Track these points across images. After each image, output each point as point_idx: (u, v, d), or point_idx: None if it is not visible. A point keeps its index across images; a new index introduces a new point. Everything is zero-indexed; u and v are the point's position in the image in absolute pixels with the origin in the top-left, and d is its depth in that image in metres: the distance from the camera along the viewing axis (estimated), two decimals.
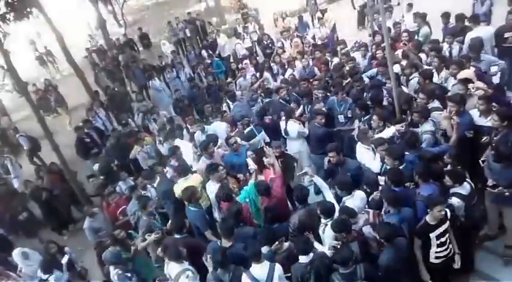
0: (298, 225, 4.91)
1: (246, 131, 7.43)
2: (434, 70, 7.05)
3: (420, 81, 6.88)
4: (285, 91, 8.37)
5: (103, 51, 17.89)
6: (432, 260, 4.61)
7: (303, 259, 4.32)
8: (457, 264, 4.70)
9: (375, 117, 6.15)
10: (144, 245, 5.84)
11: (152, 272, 6.03)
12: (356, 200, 5.07)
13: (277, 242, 4.61)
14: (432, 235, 4.46)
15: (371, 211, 4.86)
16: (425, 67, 7.38)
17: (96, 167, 8.99)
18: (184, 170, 6.54)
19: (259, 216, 5.64)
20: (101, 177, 8.69)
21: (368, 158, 5.82)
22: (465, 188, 4.80)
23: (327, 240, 4.69)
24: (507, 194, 4.77)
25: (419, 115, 5.91)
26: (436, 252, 4.56)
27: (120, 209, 6.96)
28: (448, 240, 4.56)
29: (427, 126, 5.82)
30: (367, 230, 4.64)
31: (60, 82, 18.12)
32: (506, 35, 7.53)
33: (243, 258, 4.57)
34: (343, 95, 7.34)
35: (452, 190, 4.86)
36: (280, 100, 8.26)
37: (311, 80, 8.77)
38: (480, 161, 5.27)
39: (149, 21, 24.44)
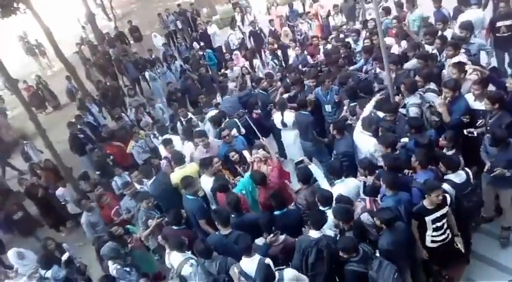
0: (307, 204, 5.01)
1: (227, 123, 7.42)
2: (435, 50, 7.01)
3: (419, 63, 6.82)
4: (265, 82, 8.36)
5: (93, 46, 17.67)
6: (428, 243, 4.63)
7: (313, 234, 4.35)
8: (461, 248, 4.68)
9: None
10: (148, 232, 5.87)
11: (151, 265, 6.04)
12: (348, 186, 5.09)
13: (272, 235, 4.59)
14: (428, 219, 4.48)
15: (367, 198, 4.88)
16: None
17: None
18: (178, 159, 6.53)
19: (256, 207, 5.66)
20: (97, 172, 8.67)
21: (366, 142, 5.77)
22: (459, 176, 4.79)
23: (325, 227, 4.70)
24: (508, 174, 4.78)
25: (404, 87, 6.01)
26: (432, 236, 4.57)
27: (113, 211, 6.87)
28: (445, 226, 4.54)
29: (414, 99, 5.94)
30: (366, 217, 4.66)
31: (51, 78, 17.96)
32: (498, 24, 7.40)
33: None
34: (329, 82, 7.31)
35: (446, 177, 4.87)
36: (261, 92, 8.27)
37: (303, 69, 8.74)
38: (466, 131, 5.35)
39: (139, 14, 24.17)
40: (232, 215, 5.05)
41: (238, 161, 6.37)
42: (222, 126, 7.23)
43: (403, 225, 4.46)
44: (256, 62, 11.22)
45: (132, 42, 17.63)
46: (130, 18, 20.58)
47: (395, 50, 8.02)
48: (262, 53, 12.11)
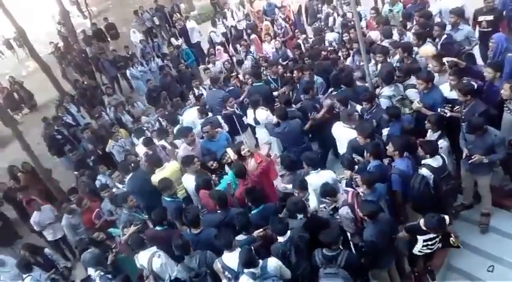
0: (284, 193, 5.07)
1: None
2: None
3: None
4: (236, 79, 8.37)
5: (69, 44, 17.26)
6: (415, 251, 4.63)
7: (281, 239, 4.37)
8: (458, 243, 4.73)
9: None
10: (126, 238, 5.74)
11: (136, 268, 5.96)
12: (321, 177, 5.12)
13: (261, 230, 4.62)
14: (420, 238, 4.46)
15: (350, 191, 4.87)
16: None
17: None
18: (156, 160, 6.48)
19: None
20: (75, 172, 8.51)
21: (347, 136, 5.81)
22: (436, 161, 4.89)
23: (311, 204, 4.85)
24: (485, 161, 4.90)
25: (380, 79, 6.13)
26: (420, 250, 4.58)
27: (94, 213, 6.77)
28: (435, 245, 4.52)
29: (386, 91, 6.09)
30: (345, 210, 4.69)
31: (26, 78, 17.47)
32: (480, 18, 7.43)
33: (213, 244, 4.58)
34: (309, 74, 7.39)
35: (423, 161, 4.97)
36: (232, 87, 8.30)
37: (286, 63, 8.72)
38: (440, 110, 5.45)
39: (115, 11, 23.66)
40: (219, 211, 5.04)
41: (216, 168, 6.27)
42: (203, 121, 7.20)
43: (386, 216, 4.54)
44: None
45: (109, 39, 17.29)
46: (106, 15, 20.12)
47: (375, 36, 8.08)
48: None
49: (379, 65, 6.99)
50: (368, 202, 4.47)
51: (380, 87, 6.38)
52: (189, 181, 6.00)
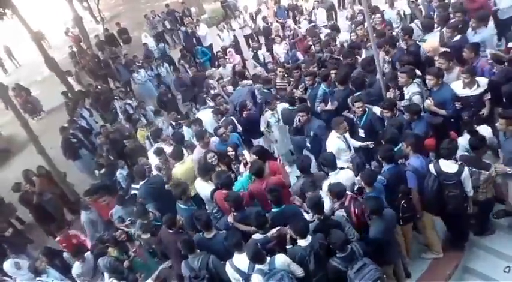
0: (299, 193, 5.04)
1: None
2: None
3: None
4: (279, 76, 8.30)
5: (82, 49, 17.53)
6: None
7: (302, 242, 4.32)
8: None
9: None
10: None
11: (151, 270, 6.01)
12: (342, 178, 5.06)
13: (275, 230, 4.61)
14: None
15: (348, 194, 4.82)
16: None
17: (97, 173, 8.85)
18: (178, 154, 6.59)
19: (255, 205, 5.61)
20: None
21: (341, 147, 5.87)
22: (449, 167, 4.72)
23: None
24: (509, 171, 4.79)
25: (406, 75, 6.01)
26: None
27: (110, 211, 6.86)
28: None
29: (413, 88, 6.00)
30: (340, 213, 4.66)
31: (42, 83, 17.79)
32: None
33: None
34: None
35: (439, 161, 4.86)
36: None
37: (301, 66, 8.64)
38: None
39: (127, 15, 23.97)
40: (235, 213, 5.03)
41: (233, 157, 6.37)
42: (219, 124, 7.23)
43: (391, 211, 4.53)
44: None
45: (121, 44, 17.52)
46: (118, 20, 20.40)
47: None
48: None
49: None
50: (372, 199, 4.46)
51: (392, 89, 6.31)
52: (203, 188, 5.97)
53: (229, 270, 4.41)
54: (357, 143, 6.11)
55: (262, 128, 7.47)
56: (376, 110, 6.16)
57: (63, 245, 7.01)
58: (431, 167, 4.83)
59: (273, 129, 7.38)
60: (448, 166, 4.76)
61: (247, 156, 6.25)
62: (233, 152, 6.40)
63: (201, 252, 4.62)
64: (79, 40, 18.06)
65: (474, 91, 5.60)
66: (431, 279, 5.12)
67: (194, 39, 14.03)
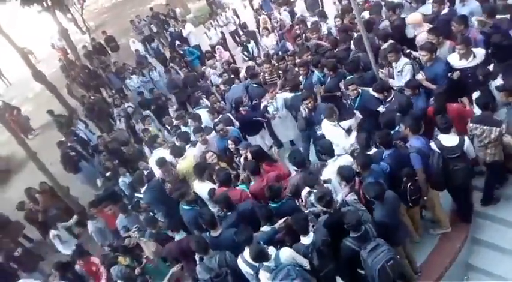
0: (294, 188, 5.04)
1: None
2: None
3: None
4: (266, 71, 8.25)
5: (71, 61, 17.47)
6: None
7: (304, 240, 4.35)
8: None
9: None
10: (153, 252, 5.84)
11: (164, 276, 6.04)
12: (340, 164, 5.03)
13: (282, 221, 4.64)
14: None
15: (356, 179, 4.81)
16: None
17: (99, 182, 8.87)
18: (178, 152, 6.72)
19: None
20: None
21: (338, 135, 5.83)
22: (450, 140, 4.78)
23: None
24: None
25: (393, 53, 6.08)
26: None
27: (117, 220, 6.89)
28: None
29: (403, 60, 6.08)
30: (351, 197, 4.68)
31: (33, 100, 17.73)
32: None
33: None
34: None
35: (437, 136, 4.93)
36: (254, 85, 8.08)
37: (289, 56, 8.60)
38: None
39: (112, 23, 23.84)
40: (228, 213, 5.05)
41: (234, 151, 6.39)
42: (216, 121, 7.21)
43: (392, 194, 4.53)
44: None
45: (109, 52, 17.43)
46: (103, 28, 20.30)
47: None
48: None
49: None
50: (371, 185, 4.46)
51: (385, 68, 6.31)
52: (201, 188, 5.98)
53: (241, 264, 4.46)
54: (346, 123, 6.06)
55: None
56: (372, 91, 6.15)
57: (83, 268, 6.86)
58: (433, 144, 4.84)
59: (272, 119, 7.33)
60: (449, 140, 4.78)
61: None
62: (233, 146, 6.41)
63: (215, 252, 4.61)
64: (66, 52, 17.98)
65: (471, 62, 5.60)
66: (442, 254, 5.15)
67: (180, 40, 13.95)
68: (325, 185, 4.87)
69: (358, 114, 6.27)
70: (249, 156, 5.85)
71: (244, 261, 4.42)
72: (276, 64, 8.42)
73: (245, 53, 11.22)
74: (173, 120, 8.68)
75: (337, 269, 4.39)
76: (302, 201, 5.08)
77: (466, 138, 4.78)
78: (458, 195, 5.24)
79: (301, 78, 7.48)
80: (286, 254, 4.24)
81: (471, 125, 4.95)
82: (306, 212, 4.85)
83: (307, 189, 4.97)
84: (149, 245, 5.71)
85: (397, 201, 4.59)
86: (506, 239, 5.19)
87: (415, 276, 4.91)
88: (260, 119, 7.35)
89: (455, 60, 5.74)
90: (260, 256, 4.16)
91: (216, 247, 4.73)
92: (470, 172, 4.96)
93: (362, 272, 4.22)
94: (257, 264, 4.27)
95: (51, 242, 7.92)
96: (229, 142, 6.49)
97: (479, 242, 5.41)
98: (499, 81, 5.20)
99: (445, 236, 5.28)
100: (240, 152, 6.22)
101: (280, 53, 9.64)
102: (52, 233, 7.64)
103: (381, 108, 5.88)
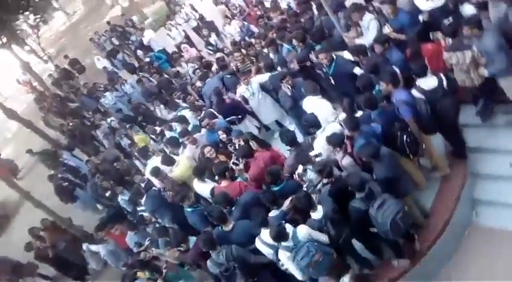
0: (291, 168, 5.10)
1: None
2: None
3: None
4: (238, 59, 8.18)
5: (41, 93, 17.16)
6: None
7: (315, 215, 4.42)
8: None
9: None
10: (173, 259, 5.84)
11: (188, 279, 6.08)
12: (330, 132, 5.08)
13: (288, 202, 4.69)
14: None
15: (347, 142, 4.88)
16: None
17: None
18: (169, 160, 6.72)
19: None
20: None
21: (325, 108, 5.76)
22: (428, 82, 4.85)
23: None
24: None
25: (356, 12, 6.11)
26: None
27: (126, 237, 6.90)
28: None
29: (367, 17, 6.13)
30: (347, 160, 4.74)
31: (13, 139, 17.43)
32: None
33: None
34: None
35: (416, 82, 4.97)
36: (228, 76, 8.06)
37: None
38: None
39: (71, 45, 23.42)
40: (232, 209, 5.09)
41: (226, 141, 6.37)
42: (200, 117, 7.23)
43: (386, 149, 4.59)
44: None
45: (77, 75, 17.13)
46: (65, 53, 19.89)
47: None
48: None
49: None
50: (362, 147, 4.53)
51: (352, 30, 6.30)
52: (202, 189, 5.97)
53: (260, 246, 4.54)
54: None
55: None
56: (347, 54, 6.15)
57: None
58: (414, 91, 4.90)
59: (251, 103, 7.31)
60: (428, 82, 4.85)
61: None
62: (224, 135, 6.39)
63: (222, 246, 4.67)
64: (32, 85, 17.65)
65: (437, 2, 5.58)
66: (447, 195, 5.25)
67: (143, 48, 13.77)
68: (317, 159, 4.92)
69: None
70: (242, 144, 5.85)
71: (263, 242, 4.49)
72: (246, 51, 8.36)
73: (209, 47, 11.11)
74: (156, 128, 8.58)
75: (352, 232, 4.47)
76: (298, 178, 5.13)
77: (442, 75, 4.87)
78: (450, 134, 5.31)
79: (272, 56, 7.46)
80: (303, 231, 4.30)
81: (446, 54, 5.03)
82: (305, 188, 4.90)
83: (300, 167, 5.03)
84: (170, 254, 5.73)
85: (393, 155, 4.65)
86: (503, 167, 5.28)
87: (425, 221, 5.03)
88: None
89: (422, 3, 5.72)
90: (280, 236, 4.23)
91: (230, 241, 4.77)
92: (456, 108, 5.06)
93: (374, 229, 4.30)
94: (276, 244, 4.33)
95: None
96: (220, 133, 6.46)
97: (480, 176, 5.53)
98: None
99: (445, 178, 5.37)
100: (233, 141, 6.20)
101: (246, 37, 9.58)
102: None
103: (357, 70, 5.89)
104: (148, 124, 9.22)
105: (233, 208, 5.10)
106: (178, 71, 10.61)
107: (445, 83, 4.84)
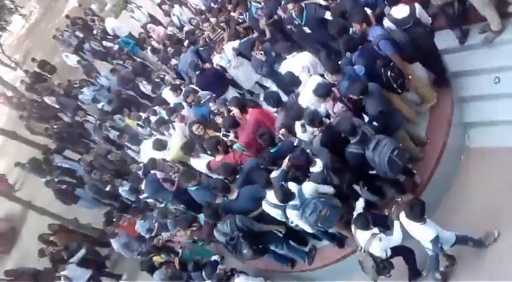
0: (281, 125, 5.08)
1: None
2: None
3: None
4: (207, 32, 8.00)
5: (19, 101, 16.73)
6: None
7: (315, 169, 4.45)
8: None
9: None
10: (185, 239, 5.97)
11: (206, 252, 6.23)
12: (311, 84, 5.02)
13: (287, 161, 4.71)
14: None
15: (334, 89, 4.84)
16: None
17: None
18: (161, 145, 6.61)
19: None
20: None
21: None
22: (400, 12, 4.80)
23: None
24: None
25: None
26: None
27: (136, 226, 6.98)
28: None
29: None
30: (338, 107, 4.74)
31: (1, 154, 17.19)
32: None
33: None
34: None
35: (387, 12, 4.95)
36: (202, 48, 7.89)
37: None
38: None
39: (36, 47, 22.64)
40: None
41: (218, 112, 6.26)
42: (182, 94, 7.09)
43: (373, 84, 4.60)
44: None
45: (49, 76, 16.66)
46: (31, 56, 19.28)
47: None
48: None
49: None
50: (350, 85, 4.51)
51: None
52: (199, 164, 5.93)
53: (267, 207, 4.61)
54: None
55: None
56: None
57: None
58: (386, 21, 4.87)
59: (229, 71, 7.22)
60: (400, 11, 4.81)
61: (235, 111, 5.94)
62: (216, 106, 6.27)
63: (226, 217, 4.76)
64: (6, 96, 17.19)
65: None
66: (437, 124, 5.32)
67: (107, 37, 13.31)
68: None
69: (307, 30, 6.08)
70: (234, 111, 5.73)
71: (269, 204, 4.55)
72: (215, 19, 8.12)
73: (172, 21, 10.73)
74: (140, 114, 8.47)
75: (352, 177, 4.55)
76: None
77: (416, 4, 4.79)
78: (430, 62, 5.31)
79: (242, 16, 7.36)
80: (309, 187, 4.36)
81: None
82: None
83: (298, 125, 4.92)
84: (182, 234, 5.82)
85: (381, 89, 4.65)
86: (489, 85, 5.32)
87: (421, 155, 5.12)
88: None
89: None
90: (287, 196, 4.28)
91: (238, 209, 4.85)
92: (430, 35, 5.02)
93: (374, 172, 4.37)
94: (282, 204, 4.39)
95: None
96: (211, 104, 6.32)
97: (466, 99, 5.58)
98: None
99: (433, 107, 5.42)
100: (220, 110, 6.10)
101: (212, 4, 9.28)
102: (62, 274, 7.55)
103: (329, 15, 5.76)
104: (131, 111, 9.10)
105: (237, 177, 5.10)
106: (153, 47, 10.31)
107: (417, 11, 4.78)
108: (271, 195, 4.50)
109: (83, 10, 16.48)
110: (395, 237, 4.09)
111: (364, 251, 4.14)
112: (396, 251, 4.23)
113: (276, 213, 4.61)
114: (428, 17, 4.97)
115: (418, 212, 3.81)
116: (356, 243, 4.30)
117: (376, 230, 4.11)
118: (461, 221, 4.77)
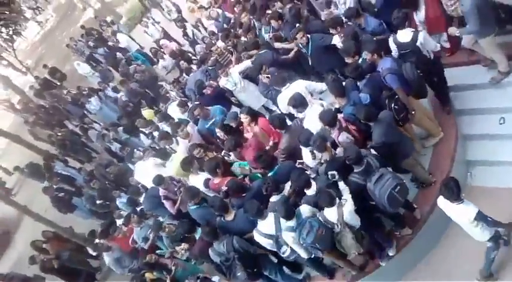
0: (287, 150, 5.10)
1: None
2: None
3: None
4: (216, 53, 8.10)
5: (27, 106, 16.87)
6: None
7: (309, 192, 4.47)
8: None
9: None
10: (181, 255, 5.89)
11: (196, 269, 6.13)
12: (315, 111, 5.06)
13: (289, 188, 4.71)
14: None
15: (339, 117, 4.85)
16: None
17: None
18: (163, 154, 6.73)
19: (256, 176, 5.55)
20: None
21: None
22: (405, 36, 4.94)
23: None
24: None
25: None
26: None
27: (130, 239, 6.89)
28: None
29: None
30: (344, 136, 4.73)
31: (3, 157, 17.23)
32: None
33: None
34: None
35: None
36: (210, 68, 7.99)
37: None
38: None
39: (48, 54, 23.01)
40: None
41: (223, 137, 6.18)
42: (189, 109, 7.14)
43: (387, 112, 4.62)
44: None
45: (58, 83, 16.85)
46: (43, 62, 19.57)
47: None
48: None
49: None
50: (359, 107, 4.56)
51: None
52: (196, 182, 5.88)
53: (258, 238, 4.56)
54: None
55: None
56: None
57: None
58: (391, 40, 5.01)
59: (236, 95, 7.26)
60: (404, 35, 4.94)
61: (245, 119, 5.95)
62: (222, 133, 6.08)
63: (223, 237, 4.72)
64: (11, 103, 17.37)
65: None
66: (441, 158, 5.32)
67: (121, 51, 13.54)
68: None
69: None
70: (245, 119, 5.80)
71: (260, 234, 4.51)
72: (224, 43, 8.26)
73: (185, 37, 11.01)
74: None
75: None
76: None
77: (421, 33, 4.91)
78: (434, 87, 5.42)
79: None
80: (307, 209, 4.36)
81: None
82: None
83: (307, 152, 4.84)
84: (180, 249, 5.76)
85: (391, 117, 4.66)
86: (493, 125, 5.35)
87: (433, 179, 5.11)
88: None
89: None
90: (290, 213, 4.27)
91: (233, 230, 4.80)
92: (431, 62, 5.12)
93: (373, 203, 4.34)
94: (274, 233, 4.37)
95: None
96: (217, 130, 6.20)
97: (471, 138, 5.60)
98: None
99: (437, 145, 5.42)
100: (230, 124, 6.06)
101: (225, 25, 9.47)
102: None
103: (337, 40, 5.84)
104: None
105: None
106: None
107: (420, 39, 4.89)
108: (262, 225, 4.48)
109: (98, 22, 16.82)
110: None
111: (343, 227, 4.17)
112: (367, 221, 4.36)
113: (266, 243, 4.56)
114: (436, 44, 5.08)
115: (455, 189, 3.80)
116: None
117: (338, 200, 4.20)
118: (459, 257, 4.76)
